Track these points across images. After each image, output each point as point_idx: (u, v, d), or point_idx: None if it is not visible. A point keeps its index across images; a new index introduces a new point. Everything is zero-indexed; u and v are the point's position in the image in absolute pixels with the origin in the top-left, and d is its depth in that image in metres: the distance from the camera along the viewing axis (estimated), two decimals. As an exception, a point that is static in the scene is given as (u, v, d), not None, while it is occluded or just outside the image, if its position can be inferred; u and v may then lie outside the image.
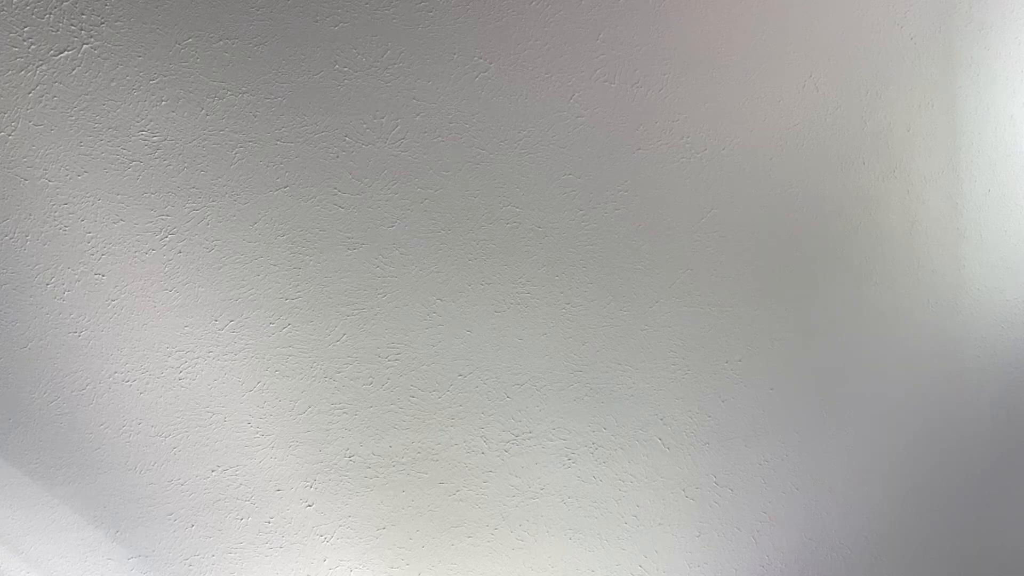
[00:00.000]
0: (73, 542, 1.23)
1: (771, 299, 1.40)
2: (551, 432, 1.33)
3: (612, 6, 1.21)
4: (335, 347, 1.22)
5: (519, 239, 1.25)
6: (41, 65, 1.02)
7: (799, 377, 1.46)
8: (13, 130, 1.04)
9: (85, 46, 1.03)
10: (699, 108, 1.29)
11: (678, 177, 1.30)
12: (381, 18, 1.12)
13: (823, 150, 1.37)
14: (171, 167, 1.10)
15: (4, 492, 1.18)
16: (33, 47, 1.01)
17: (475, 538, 1.31)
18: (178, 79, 1.07)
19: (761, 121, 1.32)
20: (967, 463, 1.63)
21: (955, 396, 1.58)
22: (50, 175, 1.06)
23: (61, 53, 1.02)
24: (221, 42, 1.07)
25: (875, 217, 1.43)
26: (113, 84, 1.05)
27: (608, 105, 1.24)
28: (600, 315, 1.32)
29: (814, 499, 1.54)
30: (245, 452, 1.24)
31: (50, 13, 1.01)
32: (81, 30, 1.02)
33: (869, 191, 1.41)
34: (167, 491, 1.23)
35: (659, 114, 1.27)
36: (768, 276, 1.39)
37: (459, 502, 1.29)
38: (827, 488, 1.54)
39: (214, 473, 1.23)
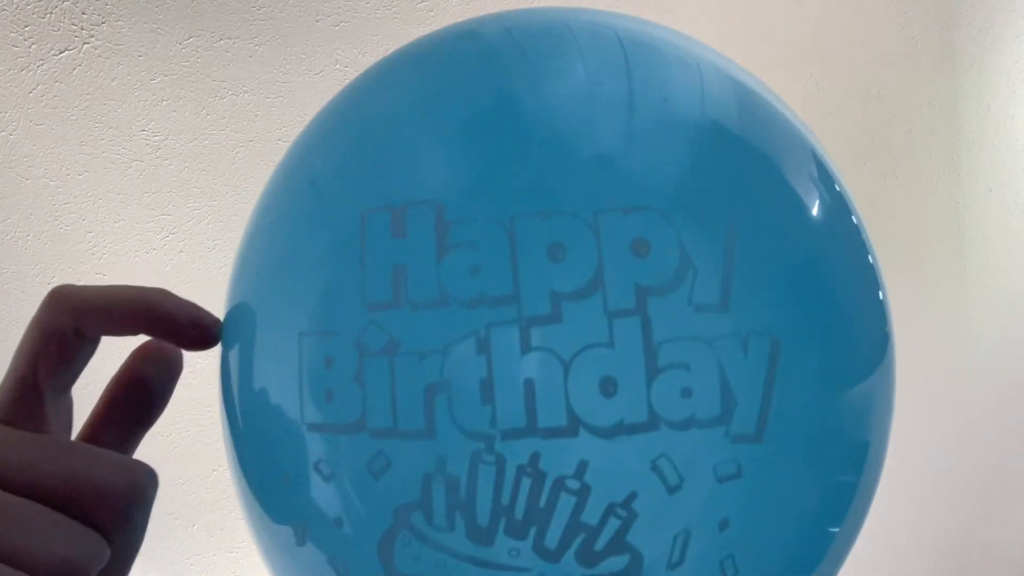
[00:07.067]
0: (74, 542, 1.23)
1: (772, 299, 1.40)
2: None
3: (612, 6, 1.21)
4: (336, 347, 1.21)
5: (520, 239, 1.25)
6: (42, 64, 1.02)
7: (800, 377, 1.46)
8: (14, 130, 1.04)
9: (86, 45, 1.03)
10: (700, 107, 1.28)
11: (679, 177, 1.30)
12: (382, 18, 1.12)
13: (824, 149, 1.37)
14: (172, 167, 1.09)
15: (5, 492, 1.18)
16: (34, 47, 1.01)
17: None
18: (179, 78, 1.07)
19: (762, 121, 1.32)
20: (968, 463, 1.63)
21: (956, 396, 1.58)
22: (51, 175, 1.06)
23: (62, 52, 1.02)
24: (222, 41, 1.07)
25: (876, 217, 1.43)
26: (114, 83, 1.05)
27: (609, 104, 1.24)
28: (601, 315, 1.32)
29: (815, 499, 1.54)
30: (246, 452, 1.24)
31: (51, 12, 1.01)
32: (82, 29, 1.02)
33: (870, 191, 1.41)
34: (168, 490, 1.23)
35: (660, 114, 1.27)
36: (769, 276, 1.39)
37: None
38: (828, 488, 1.54)
39: (215, 472, 1.23)
